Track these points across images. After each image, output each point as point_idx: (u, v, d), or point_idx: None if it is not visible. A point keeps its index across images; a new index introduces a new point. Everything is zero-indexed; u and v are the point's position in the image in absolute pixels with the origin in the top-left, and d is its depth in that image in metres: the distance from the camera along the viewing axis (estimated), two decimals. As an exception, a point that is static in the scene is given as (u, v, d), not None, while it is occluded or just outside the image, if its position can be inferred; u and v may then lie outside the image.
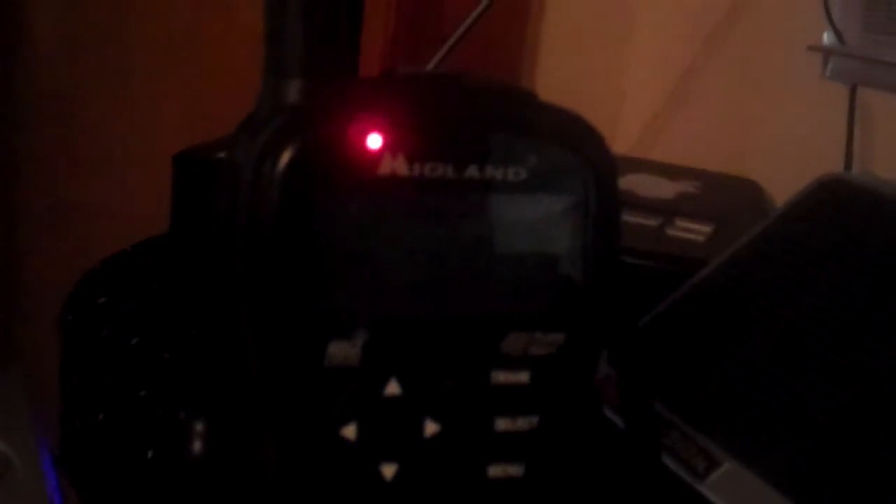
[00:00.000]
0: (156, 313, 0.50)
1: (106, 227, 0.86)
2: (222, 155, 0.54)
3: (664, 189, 0.62)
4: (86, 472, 0.46)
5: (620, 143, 0.94)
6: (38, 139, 0.91)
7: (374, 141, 0.26)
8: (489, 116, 0.28)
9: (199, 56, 0.91)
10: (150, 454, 0.41)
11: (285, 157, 0.26)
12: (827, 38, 0.65)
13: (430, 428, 0.28)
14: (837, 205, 0.43)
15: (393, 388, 0.28)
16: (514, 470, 0.29)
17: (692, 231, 0.54)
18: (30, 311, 0.90)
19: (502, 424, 0.29)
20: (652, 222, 0.55)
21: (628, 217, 0.54)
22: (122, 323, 0.49)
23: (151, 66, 0.91)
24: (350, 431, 0.28)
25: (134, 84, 0.91)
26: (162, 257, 0.56)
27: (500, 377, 0.29)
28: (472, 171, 0.27)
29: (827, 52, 0.58)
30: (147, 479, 0.41)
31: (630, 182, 0.62)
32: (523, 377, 0.29)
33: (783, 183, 0.50)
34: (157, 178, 0.55)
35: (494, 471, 0.29)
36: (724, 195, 0.63)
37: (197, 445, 0.29)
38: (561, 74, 0.97)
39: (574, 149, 0.28)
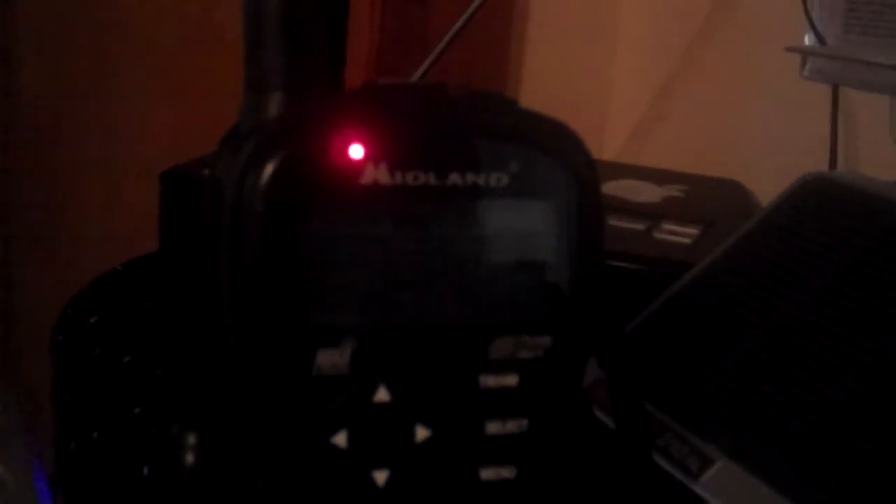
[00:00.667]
0: (147, 331, 0.50)
1: (96, 244, 0.86)
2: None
3: (651, 193, 0.62)
4: (82, 492, 0.46)
5: (608, 149, 0.95)
6: (26, 158, 0.90)
7: (356, 151, 0.27)
8: (470, 123, 0.28)
9: (186, 73, 0.91)
10: (145, 471, 0.41)
11: (268, 170, 0.26)
12: (808, 39, 0.65)
13: (421, 433, 0.28)
14: (822, 203, 0.44)
15: (382, 394, 0.28)
16: (506, 472, 0.29)
17: (679, 234, 0.54)
18: (21, 331, 0.89)
19: (492, 428, 0.29)
20: (639, 226, 0.55)
21: (616, 221, 0.54)
22: (113, 342, 0.49)
23: (139, 83, 0.91)
24: (341, 439, 0.28)
25: (122, 102, 0.91)
26: (152, 275, 0.56)
27: (489, 381, 0.29)
28: (454, 179, 0.27)
29: (805, 53, 0.59)
30: (143, 496, 0.41)
31: (617, 187, 0.62)
32: (512, 380, 0.29)
33: (769, 184, 0.50)
34: (147, 196, 0.56)
35: (486, 474, 0.29)
36: (711, 198, 0.63)
37: (189, 458, 0.29)
38: (546, 83, 0.97)
39: (554, 153, 0.28)
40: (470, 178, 0.28)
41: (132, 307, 0.53)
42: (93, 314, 0.52)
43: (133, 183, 0.75)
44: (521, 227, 0.28)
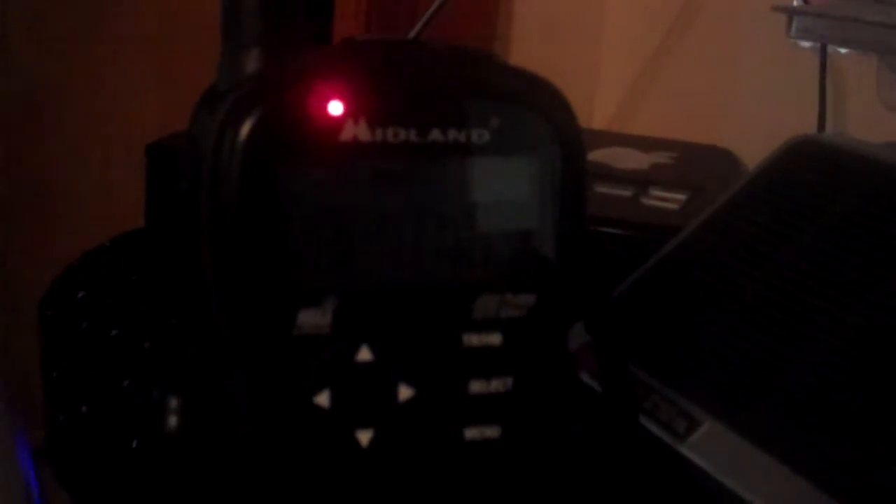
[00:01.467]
0: (135, 305, 0.50)
1: (85, 222, 0.86)
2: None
3: (639, 160, 0.62)
4: (72, 465, 0.46)
5: (597, 119, 0.94)
6: (14, 136, 0.90)
7: (336, 107, 0.26)
8: (449, 79, 0.28)
9: (172, 46, 0.91)
10: (134, 444, 0.41)
11: (246, 127, 0.26)
12: (796, 2, 0.65)
13: (404, 393, 0.28)
14: (808, 166, 0.43)
15: (365, 354, 0.28)
16: (491, 432, 0.29)
17: (667, 200, 0.54)
18: (8, 308, 0.89)
19: (476, 387, 0.29)
20: (627, 192, 0.55)
21: (603, 188, 0.54)
22: (101, 316, 0.49)
23: (125, 59, 0.91)
24: (323, 399, 0.28)
25: (108, 78, 0.91)
26: (139, 250, 0.56)
27: (473, 339, 0.29)
28: (435, 135, 0.27)
29: (791, 12, 0.58)
30: (133, 468, 0.41)
31: (605, 154, 0.62)
32: (495, 339, 0.29)
33: (758, 149, 0.50)
34: (134, 172, 0.55)
35: (471, 433, 0.29)
36: (699, 164, 0.63)
37: (172, 421, 0.29)
38: (535, 53, 0.96)
39: (536, 109, 0.28)
40: (451, 134, 0.27)
41: (119, 281, 0.53)
42: (80, 289, 0.52)
43: (121, 158, 0.75)
44: (503, 183, 0.28)
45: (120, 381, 0.44)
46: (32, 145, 0.91)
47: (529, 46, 0.97)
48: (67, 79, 0.90)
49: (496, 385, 0.29)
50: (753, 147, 0.56)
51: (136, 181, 0.55)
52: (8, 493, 0.37)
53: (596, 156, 0.60)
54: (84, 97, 0.91)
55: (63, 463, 0.47)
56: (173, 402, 0.29)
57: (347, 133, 0.26)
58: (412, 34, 0.64)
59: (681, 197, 0.54)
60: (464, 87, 0.28)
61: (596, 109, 0.95)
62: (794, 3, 0.63)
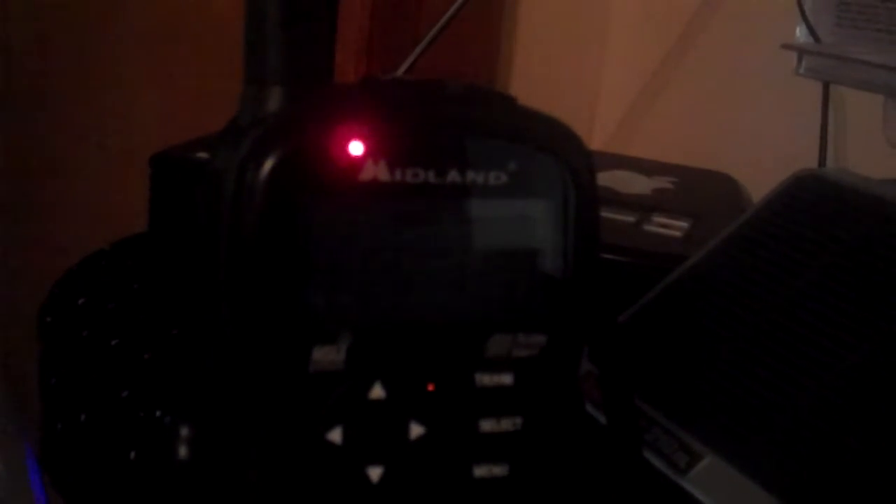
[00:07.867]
0: (136, 313, 0.50)
1: (83, 226, 0.85)
2: (200, 155, 0.54)
3: (641, 185, 0.62)
4: (69, 474, 0.46)
5: (597, 140, 0.94)
6: (12, 138, 0.90)
7: (356, 147, 0.27)
8: (469, 122, 0.28)
9: (176, 50, 0.91)
10: (132, 455, 0.41)
11: (268, 165, 0.26)
12: (800, 33, 0.65)
13: (416, 430, 0.29)
14: (813, 200, 0.44)
15: (378, 391, 0.28)
16: (499, 470, 0.30)
17: (670, 227, 0.54)
18: (6, 313, 0.89)
19: (487, 426, 0.29)
20: (629, 218, 0.55)
21: (606, 213, 0.54)
22: (101, 323, 0.49)
23: (127, 61, 0.91)
24: (336, 435, 0.28)
25: (110, 80, 0.90)
26: (141, 256, 0.56)
27: (485, 379, 0.29)
28: (453, 176, 0.27)
29: (801, 50, 0.59)
30: (130, 480, 0.41)
31: (607, 178, 0.62)
32: (507, 379, 0.29)
33: (759, 179, 0.50)
34: (134, 176, 0.55)
35: (480, 471, 0.29)
36: (701, 191, 0.63)
37: (183, 450, 0.29)
38: (536, 73, 0.97)
39: (553, 152, 0.28)
40: (469, 176, 0.28)
41: (120, 288, 0.53)
42: (81, 296, 0.52)
43: (121, 162, 0.75)
44: (518, 225, 0.29)
45: (119, 391, 0.44)
46: (29, 142, 0.91)
47: (531, 66, 0.97)
48: (68, 79, 0.90)
49: (506, 424, 0.29)
50: (753, 175, 0.56)
51: (135, 184, 0.55)
52: (19, 499, 0.37)
53: (599, 179, 0.60)
54: (84, 98, 0.90)
55: (60, 470, 0.47)
56: (184, 431, 0.29)
57: (367, 173, 0.27)
58: (411, 58, 0.64)
59: (683, 224, 0.54)
60: (483, 131, 0.28)
61: (595, 131, 0.95)
62: (802, 41, 0.63)
